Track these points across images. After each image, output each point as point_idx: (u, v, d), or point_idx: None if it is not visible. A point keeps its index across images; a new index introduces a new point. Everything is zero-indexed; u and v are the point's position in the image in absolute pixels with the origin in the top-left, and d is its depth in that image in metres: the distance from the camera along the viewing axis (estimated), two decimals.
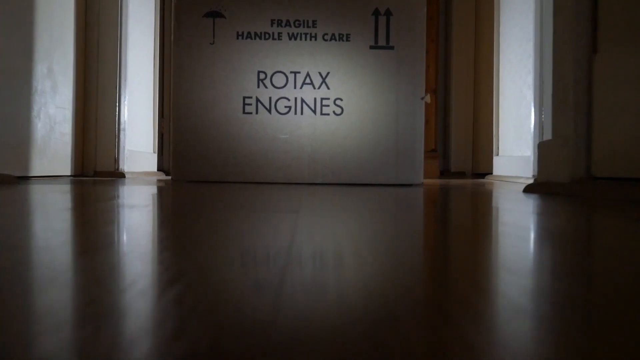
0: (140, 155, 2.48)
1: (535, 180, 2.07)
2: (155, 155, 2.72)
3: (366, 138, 1.92)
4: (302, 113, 1.92)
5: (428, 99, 1.93)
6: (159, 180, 2.03)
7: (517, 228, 0.62)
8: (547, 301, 0.28)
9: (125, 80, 2.26)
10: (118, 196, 1.08)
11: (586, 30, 1.23)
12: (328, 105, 1.93)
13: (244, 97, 1.92)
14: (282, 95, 1.92)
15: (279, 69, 1.92)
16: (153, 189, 1.39)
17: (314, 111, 1.92)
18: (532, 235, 0.56)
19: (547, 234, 0.57)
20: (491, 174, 2.82)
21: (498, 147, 2.69)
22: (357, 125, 1.92)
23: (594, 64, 1.29)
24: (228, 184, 1.80)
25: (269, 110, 1.92)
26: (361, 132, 1.92)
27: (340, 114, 1.93)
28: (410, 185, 1.92)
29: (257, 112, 1.92)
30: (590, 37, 1.30)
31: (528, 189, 1.40)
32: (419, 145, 1.93)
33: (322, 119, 1.92)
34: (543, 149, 1.43)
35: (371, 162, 1.92)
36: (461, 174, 3.54)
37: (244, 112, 1.92)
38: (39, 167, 1.91)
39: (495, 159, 2.69)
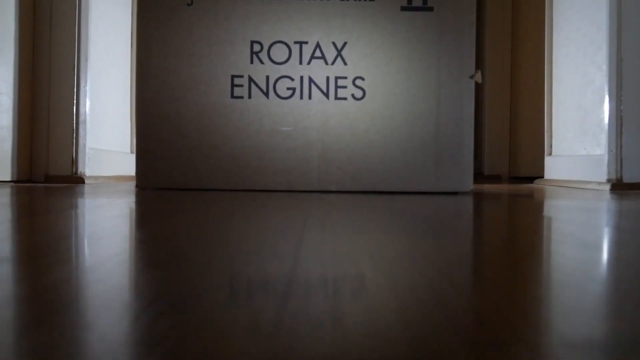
0: (110, 155, 2.00)
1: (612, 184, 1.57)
2: (134, 156, 2.24)
3: (396, 131, 1.43)
4: (310, 97, 1.44)
5: (479, 77, 1.44)
6: (136, 188, 1.54)
7: None
8: None
9: (86, 60, 1.78)
10: None
11: None
12: (345, 87, 1.44)
13: (233, 77, 1.43)
14: (284, 74, 1.44)
15: (279, 39, 1.44)
16: (70, 207, 0.91)
17: (326, 94, 1.44)
18: None
19: None
20: (541, 177, 2.32)
21: (551, 145, 2.19)
22: (383, 114, 1.43)
23: None
24: (209, 193, 1.31)
25: (266, 94, 1.44)
26: (389, 122, 1.43)
27: (361, 99, 1.44)
28: (455, 193, 1.43)
29: (250, 96, 1.44)
30: None
31: None
32: (467, 141, 1.44)
33: (337, 105, 1.44)
34: None
35: (403, 163, 1.43)
36: (496, 178, 3.04)
37: (232, 96, 1.44)
38: None
39: (548, 160, 2.19)
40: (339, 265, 0.37)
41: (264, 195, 1.25)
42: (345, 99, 1.43)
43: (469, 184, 1.44)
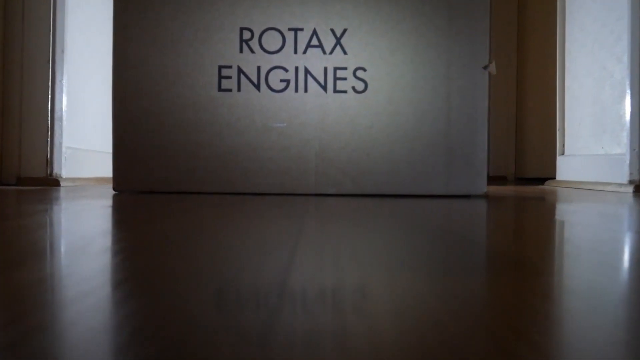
0: (91, 155, 1.85)
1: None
2: None
3: (402, 127, 1.29)
4: (306, 90, 1.30)
5: (493, 68, 1.30)
6: (113, 191, 1.40)
7: None
8: None
9: (62, 52, 1.64)
10: None
11: None
12: (345, 79, 1.29)
13: (220, 67, 1.29)
14: (277, 64, 1.29)
15: (271, 25, 1.29)
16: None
17: (324, 87, 1.29)
18: None
19: None
20: (551, 178, 2.19)
21: (564, 144, 2.05)
22: (388, 109, 1.29)
23: None
24: (193, 197, 1.17)
25: (257, 86, 1.29)
26: (394, 118, 1.29)
27: (362, 92, 1.29)
28: (467, 196, 1.29)
29: (239, 89, 1.29)
30: None
31: None
32: (481, 138, 1.30)
33: (336, 99, 1.29)
34: None
35: (409, 163, 1.29)
36: (501, 179, 2.90)
37: (220, 89, 1.29)
38: None
39: (561, 160, 2.06)
40: (338, 334, 0.23)
41: (255, 199, 1.11)
42: (345, 92, 1.29)
43: (483, 187, 1.30)
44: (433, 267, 0.38)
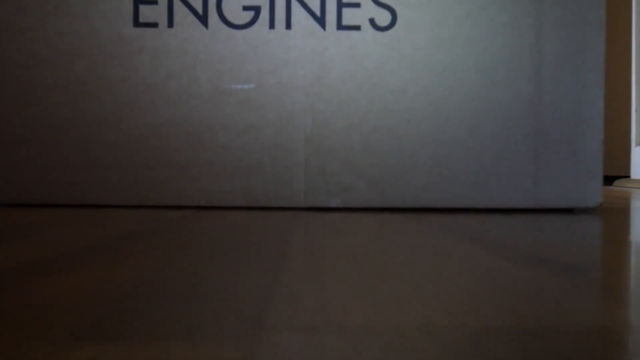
0: None
1: None
2: None
3: (458, 91, 0.74)
4: (288, 26, 0.74)
5: None
6: None
7: None
8: None
9: None
10: None
11: None
12: (357, 5, 0.74)
13: None
14: None
15: None
16: None
17: (321, 21, 0.74)
18: None
19: None
20: (622, 176, 1.65)
21: None
22: (432, 59, 0.74)
23: None
24: (100, 213, 0.61)
25: (203, 19, 0.74)
26: (444, 75, 0.74)
27: (388, 28, 0.74)
28: (570, 210, 0.74)
29: (170, 24, 0.74)
30: None
31: None
32: (595, 113, 0.75)
33: (341, 42, 0.74)
34: None
35: (471, 153, 0.74)
36: None
37: (136, 24, 0.74)
38: None
39: (638, 152, 1.52)
40: None
41: (196, 223, 0.55)
42: (357, 28, 0.74)
43: (597, 194, 0.76)
44: None
